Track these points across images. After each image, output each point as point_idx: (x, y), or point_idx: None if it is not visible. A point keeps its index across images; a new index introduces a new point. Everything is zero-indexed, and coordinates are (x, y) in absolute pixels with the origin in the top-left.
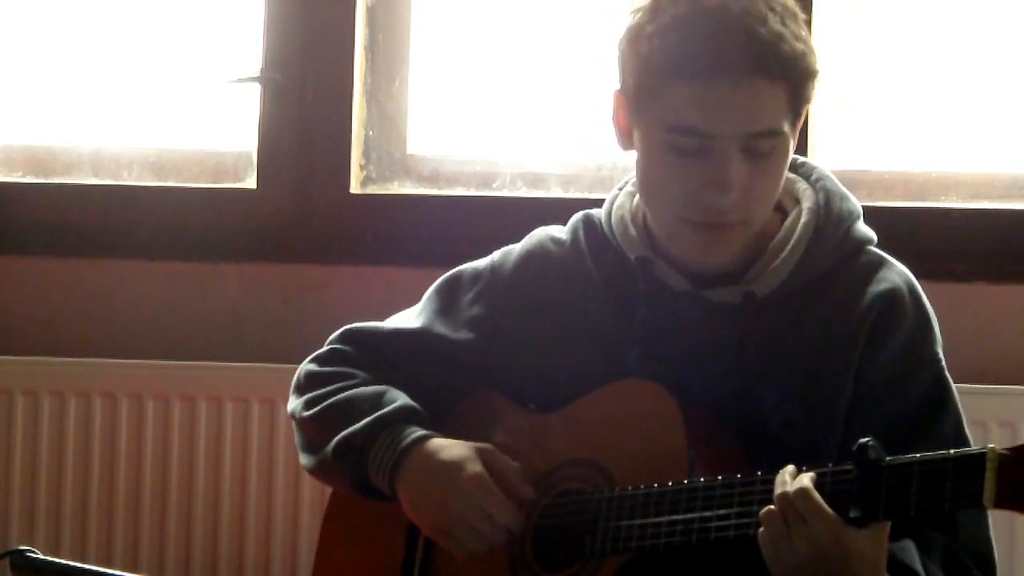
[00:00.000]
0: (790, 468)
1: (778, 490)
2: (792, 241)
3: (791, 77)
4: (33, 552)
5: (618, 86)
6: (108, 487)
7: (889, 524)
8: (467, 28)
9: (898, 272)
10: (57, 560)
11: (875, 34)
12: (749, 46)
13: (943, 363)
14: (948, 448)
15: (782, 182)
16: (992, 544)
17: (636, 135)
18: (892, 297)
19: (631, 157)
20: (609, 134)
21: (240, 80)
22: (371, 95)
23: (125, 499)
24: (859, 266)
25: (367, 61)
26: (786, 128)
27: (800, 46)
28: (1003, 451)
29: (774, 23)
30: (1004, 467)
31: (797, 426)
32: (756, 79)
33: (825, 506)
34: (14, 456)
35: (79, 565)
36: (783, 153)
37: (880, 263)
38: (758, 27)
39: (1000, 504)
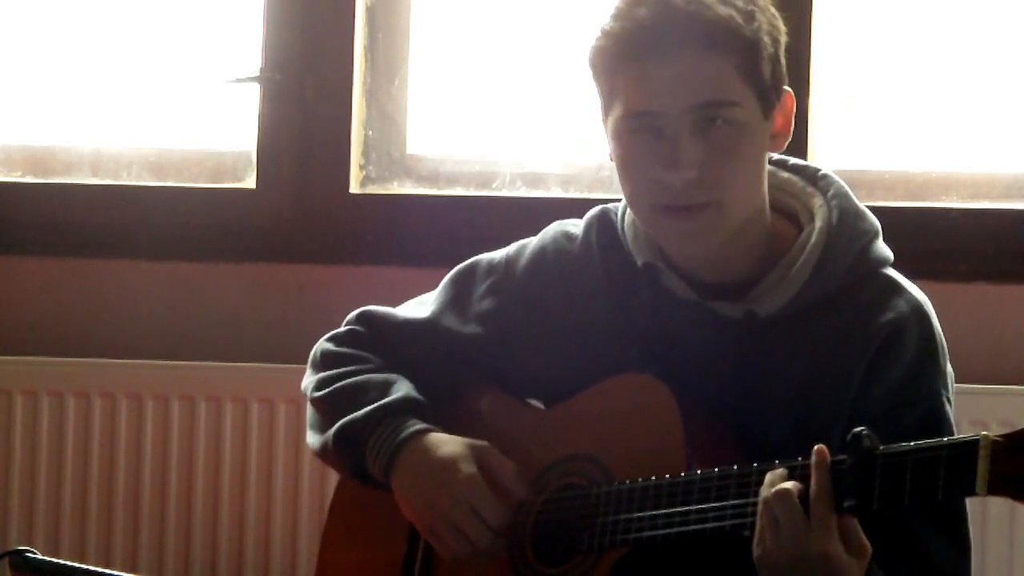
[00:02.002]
0: (780, 471)
1: (765, 491)
2: (799, 262)
3: (729, 45)
4: (32, 552)
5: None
6: (107, 487)
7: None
8: (467, 28)
9: (908, 299)
10: (56, 560)
11: (875, 34)
12: (673, 19)
13: (944, 396)
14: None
15: (755, 166)
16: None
17: (609, 138)
18: (896, 328)
19: None
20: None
21: (240, 80)
22: (371, 95)
23: (124, 499)
24: (869, 291)
25: (367, 61)
26: (742, 100)
27: (727, 11)
28: (996, 438)
29: None
30: (997, 454)
31: (790, 447)
32: (686, 50)
33: (800, 509)
34: (14, 456)
35: (78, 565)
36: (745, 130)
37: (892, 289)
38: (675, 2)
39: (993, 491)
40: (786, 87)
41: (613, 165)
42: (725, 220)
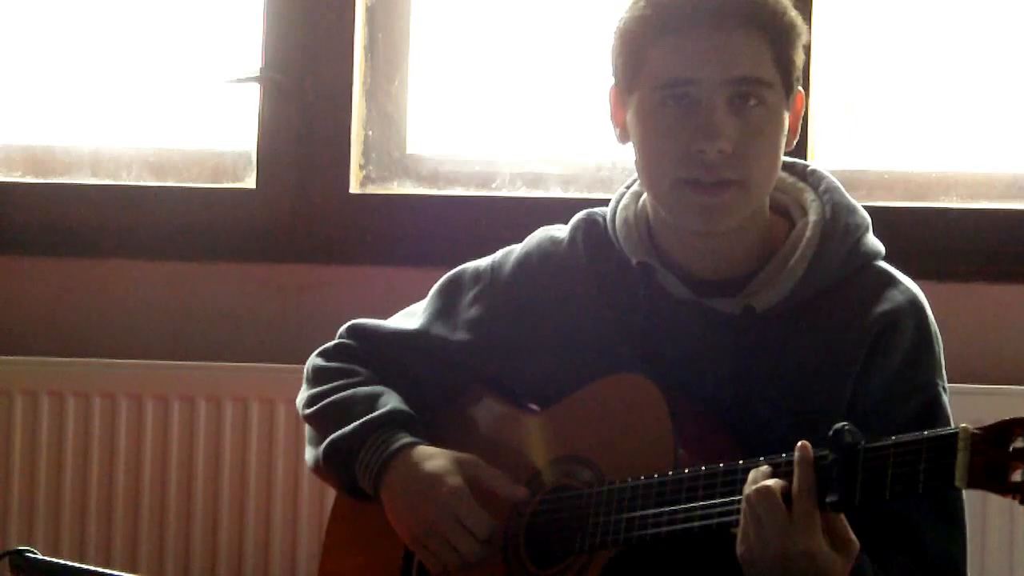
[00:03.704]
0: (764, 468)
1: (748, 488)
2: (795, 256)
3: (768, 26)
4: (32, 552)
5: (612, 83)
6: (107, 487)
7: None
8: (467, 28)
9: (903, 291)
10: (56, 560)
11: (875, 34)
12: None
13: (940, 387)
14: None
15: (777, 152)
16: (963, 566)
17: (630, 117)
18: (892, 319)
19: (632, 156)
20: (608, 133)
21: (240, 80)
22: (371, 95)
23: (124, 499)
24: (863, 283)
25: (367, 61)
26: (773, 81)
27: None
28: (975, 431)
29: None
30: (976, 447)
31: (789, 441)
32: (730, 24)
33: (782, 506)
34: (14, 456)
35: (79, 565)
36: (773, 114)
37: (886, 281)
38: None
39: (972, 484)
40: (799, 87)
41: (613, 163)
42: (747, 201)
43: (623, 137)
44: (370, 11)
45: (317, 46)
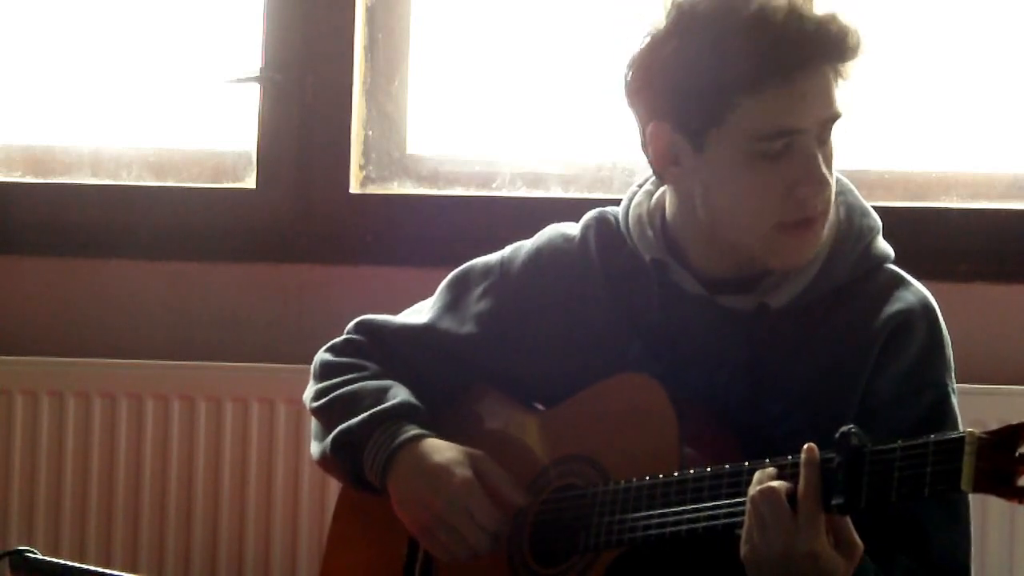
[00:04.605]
0: (769, 470)
1: (753, 489)
2: None
3: (848, 56)
4: (32, 552)
5: (655, 118)
6: (107, 487)
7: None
8: (467, 28)
9: (915, 292)
10: (56, 560)
11: (874, 33)
12: (814, 35)
13: (949, 389)
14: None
15: None
16: (968, 568)
17: (702, 159)
18: (905, 318)
19: (632, 156)
20: (607, 133)
21: (240, 80)
22: (371, 95)
23: (124, 499)
24: (876, 284)
25: (367, 61)
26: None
27: (849, 23)
28: (981, 435)
29: (815, 9)
30: (982, 451)
31: (800, 438)
32: (824, 65)
33: (786, 507)
34: (14, 456)
35: (79, 565)
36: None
37: (898, 283)
38: (810, 15)
39: (978, 488)
40: None
41: (613, 163)
42: (823, 230)
43: (669, 173)
44: (370, 11)
45: (317, 46)
